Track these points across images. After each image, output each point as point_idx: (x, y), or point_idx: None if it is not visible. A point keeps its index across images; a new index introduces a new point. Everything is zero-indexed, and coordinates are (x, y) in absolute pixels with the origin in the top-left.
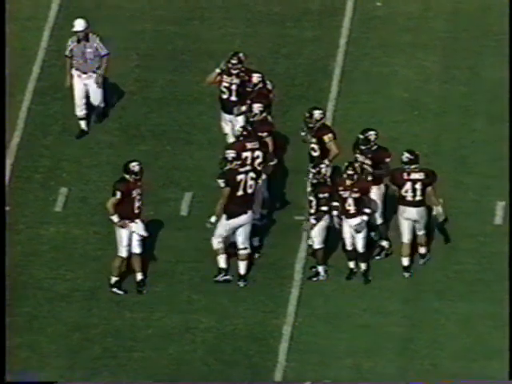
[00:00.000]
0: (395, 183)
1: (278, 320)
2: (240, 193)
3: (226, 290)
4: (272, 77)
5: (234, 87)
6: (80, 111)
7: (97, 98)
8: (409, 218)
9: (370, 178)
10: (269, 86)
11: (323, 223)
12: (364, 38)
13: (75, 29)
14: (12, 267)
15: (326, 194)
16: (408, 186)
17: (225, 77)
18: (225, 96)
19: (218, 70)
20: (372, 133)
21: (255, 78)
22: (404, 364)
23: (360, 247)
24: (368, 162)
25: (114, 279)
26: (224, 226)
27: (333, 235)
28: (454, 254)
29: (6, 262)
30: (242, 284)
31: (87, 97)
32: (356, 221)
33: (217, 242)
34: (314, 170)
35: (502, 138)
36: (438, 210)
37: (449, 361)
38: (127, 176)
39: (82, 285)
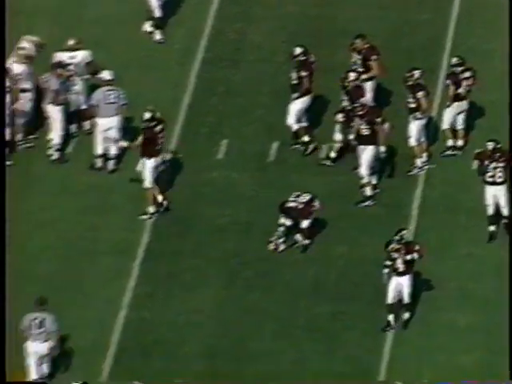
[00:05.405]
0: (454, 82)
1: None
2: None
3: None
4: (394, 52)
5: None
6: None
7: None
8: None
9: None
10: (311, 59)
11: None
12: (470, 20)
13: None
14: (181, 206)
15: None
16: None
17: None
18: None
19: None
20: None
21: (297, 50)
22: None
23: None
24: None
25: None
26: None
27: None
28: None
29: (176, 203)
30: None
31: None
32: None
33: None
34: None
35: None
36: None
37: None
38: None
39: (238, 218)
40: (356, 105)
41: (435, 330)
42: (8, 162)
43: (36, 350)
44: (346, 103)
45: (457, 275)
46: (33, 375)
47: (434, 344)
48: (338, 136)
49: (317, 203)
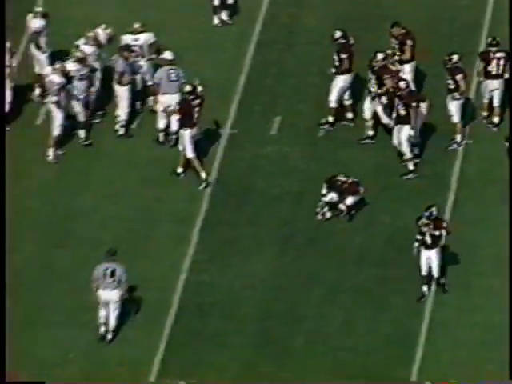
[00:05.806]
0: (484, 59)
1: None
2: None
3: None
4: (434, 36)
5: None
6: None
7: None
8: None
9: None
10: (351, 42)
11: None
12: (508, 5)
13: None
14: (236, 178)
15: None
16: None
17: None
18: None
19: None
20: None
21: (337, 33)
22: None
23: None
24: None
25: None
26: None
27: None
28: None
29: (233, 175)
30: None
31: None
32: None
33: None
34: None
35: None
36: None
37: None
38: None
39: (290, 189)
40: (395, 86)
41: (473, 293)
42: (87, 142)
43: (106, 297)
44: (372, 82)
45: (492, 243)
46: (101, 320)
47: (471, 306)
48: (367, 114)
49: (362, 188)
